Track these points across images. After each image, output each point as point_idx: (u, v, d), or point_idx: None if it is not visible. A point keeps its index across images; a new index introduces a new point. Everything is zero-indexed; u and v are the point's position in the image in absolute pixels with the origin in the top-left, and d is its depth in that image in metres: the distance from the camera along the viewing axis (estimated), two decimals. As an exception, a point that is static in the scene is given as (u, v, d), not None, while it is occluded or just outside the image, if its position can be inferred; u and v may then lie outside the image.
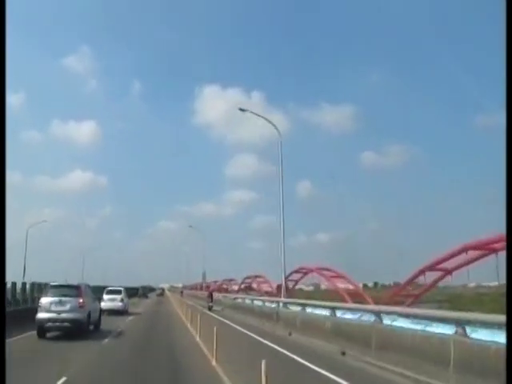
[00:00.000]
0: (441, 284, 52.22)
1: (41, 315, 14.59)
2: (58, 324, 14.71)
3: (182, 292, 74.21)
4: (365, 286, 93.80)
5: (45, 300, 14.94)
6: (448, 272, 47.61)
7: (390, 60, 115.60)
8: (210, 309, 30.53)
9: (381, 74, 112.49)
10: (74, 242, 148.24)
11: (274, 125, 24.27)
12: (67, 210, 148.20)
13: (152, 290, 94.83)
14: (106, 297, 27.91)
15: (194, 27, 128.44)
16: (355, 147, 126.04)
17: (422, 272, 49.97)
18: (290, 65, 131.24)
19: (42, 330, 14.62)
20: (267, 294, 62.57)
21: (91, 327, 16.23)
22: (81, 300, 15.05)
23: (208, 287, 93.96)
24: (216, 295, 39.27)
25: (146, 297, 64.78)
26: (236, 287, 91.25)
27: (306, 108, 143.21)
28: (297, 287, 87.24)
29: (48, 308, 14.63)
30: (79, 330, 14.77)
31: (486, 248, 43.02)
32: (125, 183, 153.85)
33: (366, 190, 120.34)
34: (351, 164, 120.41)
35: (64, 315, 14.60)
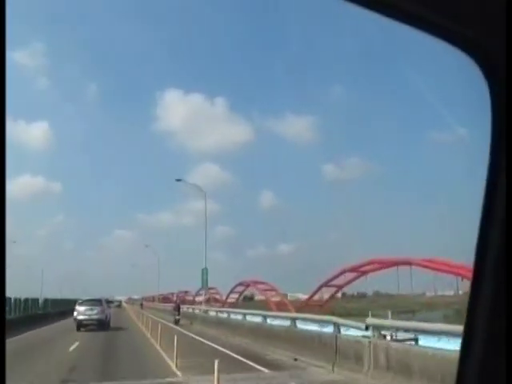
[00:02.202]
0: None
1: (79, 317, 24.44)
2: (89, 322, 24.53)
3: (141, 304, 69.47)
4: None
5: (80, 308, 24.87)
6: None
7: (352, 74, 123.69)
8: (176, 322, 29.79)
9: (343, 88, 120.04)
10: (23, 252, 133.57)
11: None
12: (14, 217, 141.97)
13: (109, 302, 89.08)
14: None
15: (156, 29, 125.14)
16: (317, 159, 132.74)
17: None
18: (256, 72, 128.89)
19: (80, 325, 24.30)
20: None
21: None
22: (102, 307, 25.06)
23: (167, 299, 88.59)
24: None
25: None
26: (201, 298, 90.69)
27: (271, 117, 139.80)
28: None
29: (83, 312, 24.52)
30: (102, 325, 24.53)
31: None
32: (79, 190, 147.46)
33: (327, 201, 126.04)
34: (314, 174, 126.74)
35: (93, 317, 24.51)
